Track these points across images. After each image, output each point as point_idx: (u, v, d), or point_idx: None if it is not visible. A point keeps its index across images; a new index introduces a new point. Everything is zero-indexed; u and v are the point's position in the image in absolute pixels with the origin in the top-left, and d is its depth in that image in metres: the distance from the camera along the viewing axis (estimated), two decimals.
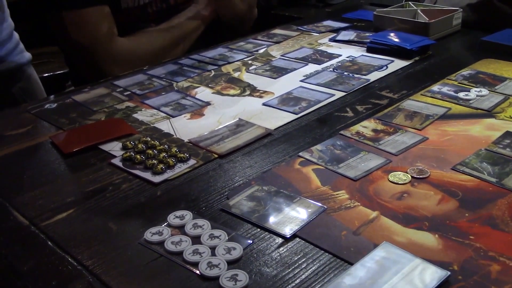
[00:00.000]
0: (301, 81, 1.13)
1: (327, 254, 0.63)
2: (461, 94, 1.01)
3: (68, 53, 1.45)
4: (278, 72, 1.19)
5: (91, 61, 1.31)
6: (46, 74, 2.17)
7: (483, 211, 0.69)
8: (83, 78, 1.38)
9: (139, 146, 0.87)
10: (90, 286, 0.60)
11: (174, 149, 0.86)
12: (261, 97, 1.07)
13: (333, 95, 1.05)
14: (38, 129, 1.00)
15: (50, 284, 0.61)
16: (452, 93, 1.02)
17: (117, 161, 0.85)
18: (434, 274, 0.58)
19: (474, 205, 0.70)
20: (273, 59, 1.27)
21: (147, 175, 0.81)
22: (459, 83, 1.07)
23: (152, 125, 0.97)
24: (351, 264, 0.61)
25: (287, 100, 1.04)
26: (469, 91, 1.02)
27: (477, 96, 1.00)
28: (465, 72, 1.12)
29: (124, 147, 0.89)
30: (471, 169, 0.77)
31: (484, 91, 1.02)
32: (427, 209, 0.70)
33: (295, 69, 1.20)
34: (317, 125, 0.94)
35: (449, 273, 0.58)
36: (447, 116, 0.94)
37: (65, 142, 0.92)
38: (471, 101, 0.99)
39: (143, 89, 1.13)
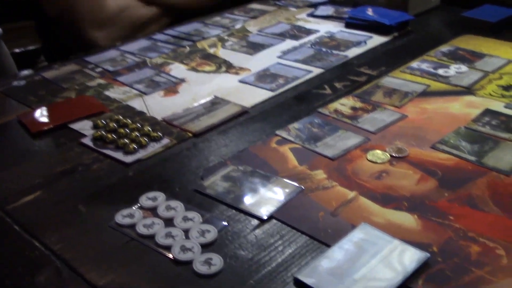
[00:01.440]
0: (279, 57, 1.10)
1: (304, 236, 0.61)
2: (440, 71, 0.99)
3: (52, 18, 1.39)
4: (254, 48, 1.16)
5: (73, 24, 1.27)
6: (18, 50, 2.10)
7: (462, 190, 0.67)
8: (57, 51, 1.34)
9: (111, 125, 0.84)
10: (58, 272, 0.58)
11: (147, 128, 0.83)
12: (237, 74, 1.04)
13: (311, 72, 1.03)
14: (5, 107, 0.96)
15: (16, 271, 0.58)
16: (431, 69, 1.00)
17: (87, 141, 0.82)
18: (414, 256, 0.56)
19: (453, 184, 0.68)
20: (249, 35, 1.24)
21: (119, 155, 0.78)
22: (438, 59, 1.05)
23: (124, 103, 0.94)
24: (329, 246, 0.59)
25: (264, 77, 1.01)
26: (448, 68, 1.00)
27: (456, 73, 0.99)
28: (444, 48, 1.10)
29: (95, 126, 0.85)
30: (450, 147, 0.76)
31: (464, 68, 1.00)
32: (406, 189, 0.68)
33: (272, 45, 1.17)
34: (295, 102, 0.92)
35: (428, 255, 0.56)
36: (426, 93, 0.92)
37: (33, 121, 0.88)
38: (450, 78, 0.97)
39: (115, 66, 1.09)
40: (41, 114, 0.90)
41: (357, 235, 0.60)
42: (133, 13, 1.35)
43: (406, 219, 0.63)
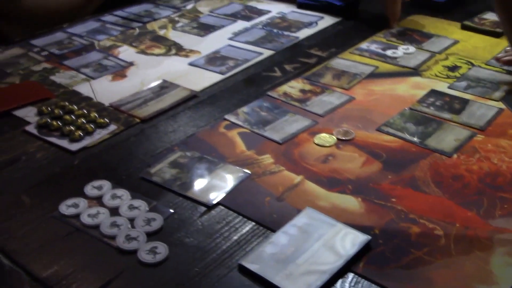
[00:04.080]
0: (229, 39, 1.10)
1: (250, 221, 0.62)
2: (389, 52, 1.01)
3: None
4: (205, 29, 1.15)
5: None
6: None
7: (405, 172, 0.69)
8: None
9: (56, 111, 0.83)
10: None
11: (93, 114, 0.82)
12: (187, 56, 1.03)
13: (262, 54, 1.03)
14: None
15: None
16: (380, 51, 1.02)
17: (31, 128, 0.80)
18: (355, 239, 0.58)
19: (397, 166, 0.70)
20: (201, 16, 1.22)
21: (64, 143, 0.76)
22: (387, 40, 1.06)
23: (71, 88, 0.92)
24: (274, 231, 0.60)
25: (214, 60, 1.01)
26: (396, 49, 1.02)
27: (404, 53, 1.00)
28: (393, 29, 1.11)
29: (40, 113, 0.84)
30: (395, 129, 0.78)
31: (411, 49, 1.02)
32: (351, 172, 0.69)
33: (223, 26, 1.16)
34: (244, 85, 0.92)
35: (369, 237, 0.58)
36: (375, 75, 0.94)
37: None
38: (398, 59, 0.98)
39: (62, 49, 1.07)
40: None
41: (301, 219, 0.61)
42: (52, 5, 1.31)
43: (350, 202, 0.64)
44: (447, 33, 1.09)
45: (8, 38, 1.17)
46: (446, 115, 0.80)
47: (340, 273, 0.55)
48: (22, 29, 1.18)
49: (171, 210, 0.64)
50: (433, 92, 0.87)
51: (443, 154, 0.72)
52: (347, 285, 0.54)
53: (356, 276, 0.55)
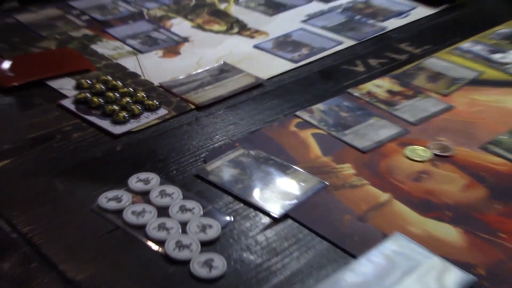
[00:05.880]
0: (303, 22, 1.09)
1: (325, 242, 0.61)
2: (497, 56, 0.98)
3: None
4: (274, 8, 1.14)
5: None
6: None
7: None
8: None
9: (97, 86, 0.83)
10: (27, 259, 0.57)
11: (140, 94, 0.82)
12: (252, 37, 1.02)
13: (341, 43, 1.02)
14: None
15: None
16: (486, 53, 0.99)
17: (68, 103, 0.80)
18: (457, 277, 0.56)
19: (507, 195, 0.67)
20: None
21: (105, 124, 0.77)
22: (495, 42, 1.04)
23: (114, 61, 0.93)
24: (354, 256, 0.58)
25: (285, 45, 1.00)
26: (506, 53, 0.99)
27: None
28: (504, 29, 1.09)
29: (79, 86, 0.84)
30: (504, 150, 0.75)
31: None
32: (450, 196, 0.67)
33: (295, 6, 1.16)
34: (320, 79, 0.91)
35: (475, 278, 0.56)
36: (479, 82, 0.91)
37: (4, 74, 0.87)
38: (508, 66, 0.96)
39: (106, 14, 1.08)
40: (13, 66, 0.89)
41: (389, 246, 0.59)
42: None
43: (449, 233, 0.62)
44: None
45: None
46: None
47: None
48: None
49: (230, 218, 0.63)
50: None
51: None
52: None
53: None
